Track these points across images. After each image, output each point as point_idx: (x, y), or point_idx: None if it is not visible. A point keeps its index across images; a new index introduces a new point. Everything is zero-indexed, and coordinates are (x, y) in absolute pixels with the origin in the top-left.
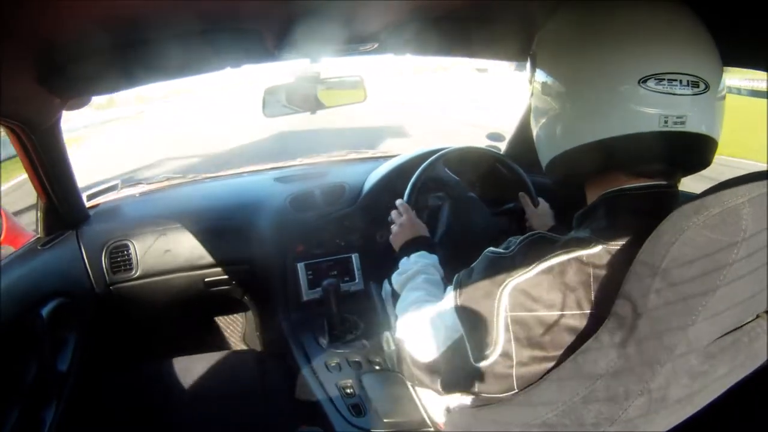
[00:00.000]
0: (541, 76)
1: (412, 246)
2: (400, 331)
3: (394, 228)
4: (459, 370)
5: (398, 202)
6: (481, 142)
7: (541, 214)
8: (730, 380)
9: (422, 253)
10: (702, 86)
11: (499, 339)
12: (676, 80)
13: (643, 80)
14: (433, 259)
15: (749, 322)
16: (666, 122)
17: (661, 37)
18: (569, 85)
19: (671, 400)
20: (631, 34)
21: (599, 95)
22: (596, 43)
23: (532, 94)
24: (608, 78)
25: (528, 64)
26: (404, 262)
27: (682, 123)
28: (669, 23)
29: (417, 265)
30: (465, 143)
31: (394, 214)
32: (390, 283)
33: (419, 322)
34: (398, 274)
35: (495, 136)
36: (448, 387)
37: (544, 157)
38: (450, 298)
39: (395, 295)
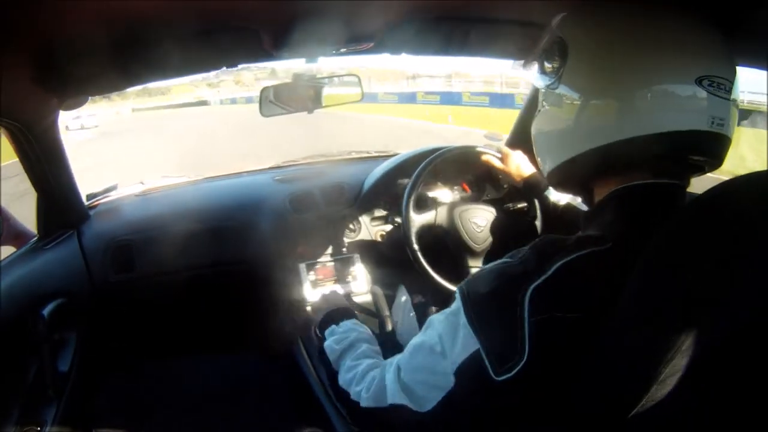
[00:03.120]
0: (576, 67)
1: (338, 315)
2: (377, 402)
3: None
4: (474, 391)
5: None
6: (480, 142)
7: (514, 164)
8: (734, 380)
9: (354, 321)
10: (734, 94)
11: (525, 347)
12: (723, 85)
13: (699, 80)
14: (367, 330)
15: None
16: (713, 123)
17: (713, 42)
18: (617, 77)
19: (671, 401)
20: (690, 33)
21: (654, 88)
22: (655, 36)
23: (555, 86)
24: (666, 72)
25: (543, 57)
26: (335, 330)
27: (722, 125)
28: (709, 31)
29: (354, 333)
30: (463, 143)
31: None
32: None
33: (401, 379)
34: (334, 342)
35: (493, 136)
36: (462, 411)
37: (562, 154)
38: (458, 314)
39: (330, 368)
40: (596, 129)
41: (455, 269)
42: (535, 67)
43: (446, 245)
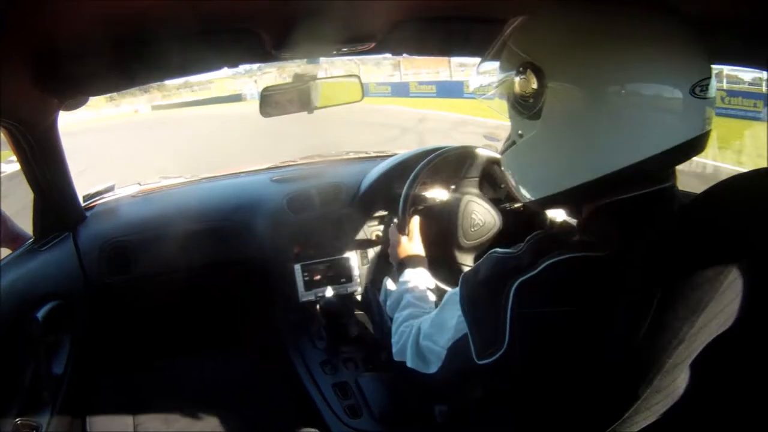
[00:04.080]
0: (560, 93)
1: (400, 267)
2: (402, 356)
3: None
4: (459, 370)
5: (392, 226)
6: (479, 142)
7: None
8: (736, 373)
9: (406, 271)
10: (712, 90)
11: (505, 337)
12: (708, 85)
13: (692, 88)
14: (419, 272)
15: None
16: (705, 124)
17: (693, 44)
18: (613, 99)
19: (673, 399)
20: (673, 41)
21: (653, 106)
22: (639, 51)
23: (537, 117)
24: (662, 85)
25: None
26: (392, 288)
27: (709, 124)
28: (687, 30)
29: (402, 286)
30: (462, 143)
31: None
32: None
33: (418, 342)
34: (388, 300)
35: (492, 137)
36: (445, 386)
37: (554, 187)
38: (455, 297)
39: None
40: (594, 159)
41: (442, 266)
42: (499, 91)
43: (437, 238)
